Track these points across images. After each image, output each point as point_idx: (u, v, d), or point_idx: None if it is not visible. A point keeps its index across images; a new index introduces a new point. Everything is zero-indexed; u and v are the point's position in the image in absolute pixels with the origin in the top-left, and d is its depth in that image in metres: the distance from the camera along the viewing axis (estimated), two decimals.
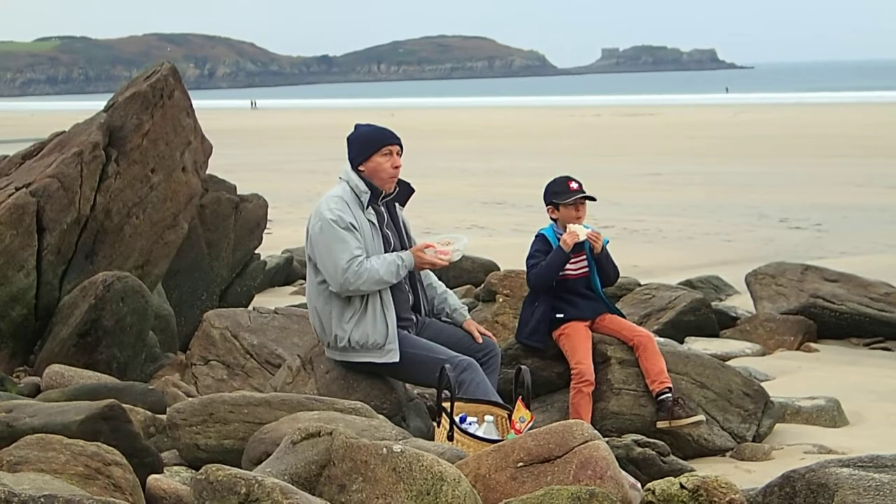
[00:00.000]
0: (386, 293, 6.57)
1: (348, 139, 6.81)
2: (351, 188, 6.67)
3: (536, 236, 7.42)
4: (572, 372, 7.13)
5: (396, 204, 6.87)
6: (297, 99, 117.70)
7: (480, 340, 6.72)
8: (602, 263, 7.34)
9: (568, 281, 7.32)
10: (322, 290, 6.64)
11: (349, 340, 6.56)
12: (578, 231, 7.19)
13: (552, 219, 7.39)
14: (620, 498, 4.46)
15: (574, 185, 7.29)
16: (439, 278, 7.19)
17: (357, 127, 6.90)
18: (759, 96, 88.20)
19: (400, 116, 59.47)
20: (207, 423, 5.72)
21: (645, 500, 4.47)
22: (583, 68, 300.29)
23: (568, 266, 7.30)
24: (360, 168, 6.70)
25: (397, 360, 6.52)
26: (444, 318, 6.88)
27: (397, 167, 6.72)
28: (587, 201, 7.35)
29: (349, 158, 6.76)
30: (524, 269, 7.49)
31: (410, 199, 6.94)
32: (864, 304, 10.77)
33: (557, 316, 7.30)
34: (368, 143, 6.72)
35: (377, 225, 6.67)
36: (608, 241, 7.45)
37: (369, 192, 6.65)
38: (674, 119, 57.60)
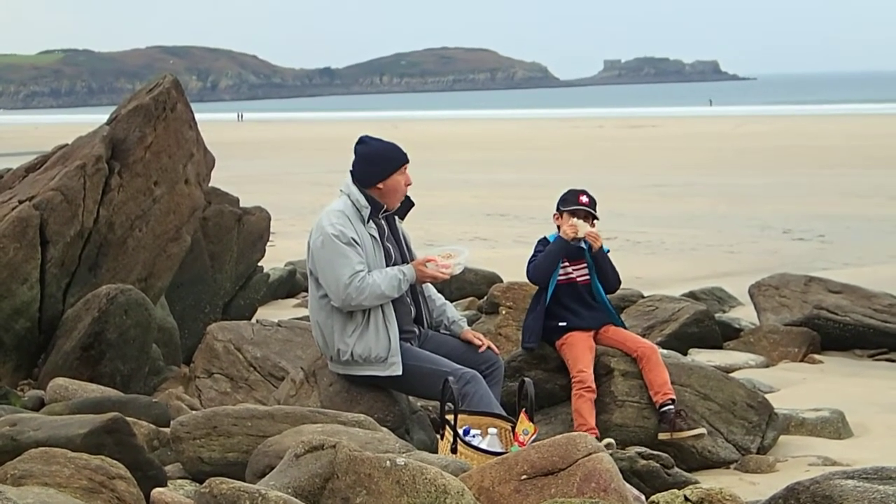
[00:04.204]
0: (388, 306, 6.55)
1: (363, 155, 6.68)
2: (352, 202, 6.63)
3: (539, 241, 7.48)
4: (573, 380, 7.12)
5: (396, 217, 6.85)
6: (299, 112, 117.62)
7: (480, 345, 6.70)
8: (600, 264, 7.35)
9: (571, 287, 7.33)
10: (324, 304, 6.62)
11: (352, 354, 6.54)
12: (580, 225, 7.23)
13: (557, 226, 7.42)
14: None
15: (584, 199, 7.34)
16: (441, 291, 7.17)
17: (367, 141, 6.75)
18: (762, 108, 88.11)
19: (403, 128, 59.50)
20: (211, 436, 5.71)
21: None
22: (585, 80, 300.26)
23: (571, 271, 7.33)
24: (379, 185, 6.64)
25: (400, 373, 6.50)
26: (442, 331, 6.87)
27: (409, 184, 6.73)
28: (592, 219, 7.36)
29: (362, 175, 6.65)
30: (527, 280, 7.50)
31: (410, 212, 6.91)
32: (868, 316, 10.77)
33: (559, 324, 7.31)
34: (389, 162, 6.65)
35: (378, 239, 6.65)
36: (608, 250, 7.46)
37: (370, 207, 6.63)
38: (676, 131, 57.61)
